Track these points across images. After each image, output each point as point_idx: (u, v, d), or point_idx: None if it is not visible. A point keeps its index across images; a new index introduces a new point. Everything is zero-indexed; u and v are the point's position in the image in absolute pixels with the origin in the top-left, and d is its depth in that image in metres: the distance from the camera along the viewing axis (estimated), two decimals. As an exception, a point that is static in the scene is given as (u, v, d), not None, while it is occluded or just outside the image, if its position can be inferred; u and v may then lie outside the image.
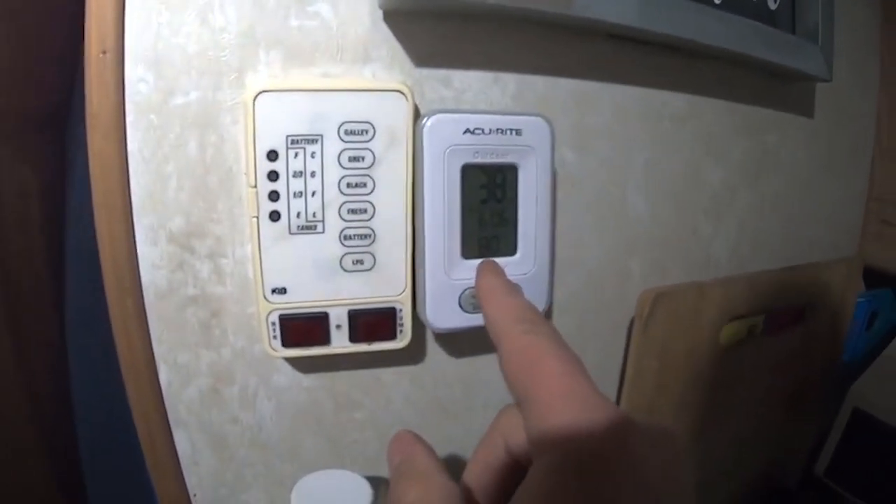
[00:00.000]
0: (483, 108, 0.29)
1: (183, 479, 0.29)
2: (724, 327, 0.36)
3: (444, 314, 0.26)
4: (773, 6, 0.36)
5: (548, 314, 0.33)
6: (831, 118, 0.46)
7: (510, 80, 0.29)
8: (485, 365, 0.33)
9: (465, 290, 0.26)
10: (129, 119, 0.24)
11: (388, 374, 0.31)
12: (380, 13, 0.26)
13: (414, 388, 0.32)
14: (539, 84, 0.30)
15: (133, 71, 0.24)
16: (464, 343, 0.32)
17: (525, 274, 0.27)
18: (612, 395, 0.37)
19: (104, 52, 0.22)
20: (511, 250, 0.27)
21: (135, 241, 0.25)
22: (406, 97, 0.24)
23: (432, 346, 0.31)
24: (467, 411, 0.33)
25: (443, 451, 0.33)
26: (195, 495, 0.30)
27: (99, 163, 0.24)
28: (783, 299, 0.40)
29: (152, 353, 0.27)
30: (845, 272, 0.45)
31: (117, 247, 0.25)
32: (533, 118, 0.26)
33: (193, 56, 0.24)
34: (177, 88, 0.24)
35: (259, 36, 0.25)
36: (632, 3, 0.27)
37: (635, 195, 0.35)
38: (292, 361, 0.30)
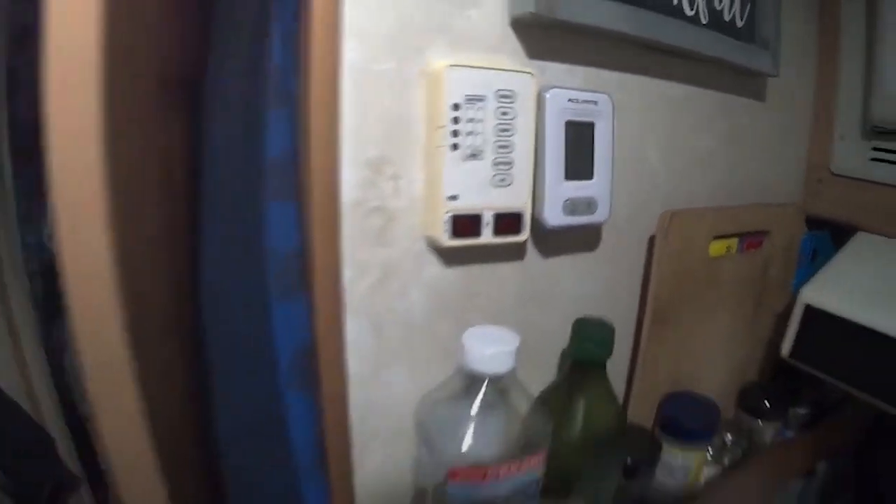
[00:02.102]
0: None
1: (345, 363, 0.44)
2: (711, 243, 0.59)
3: (554, 215, 0.46)
4: (739, 24, 0.59)
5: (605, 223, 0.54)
6: (781, 103, 0.71)
7: (579, 71, 0.50)
8: (565, 263, 0.53)
9: (566, 199, 0.46)
10: (343, 76, 0.38)
11: (502, 268, 0.50)
12: (508, 20, 0.45)
13: (518, 281, 0.51)
14: (594, 74, 0.51)
15: (347, 42, 0.38)
16: (555, 244, 0.52)
17: (596, 192, 0.48)
18: (637, 292, 0.59)
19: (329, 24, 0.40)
20: (590, 176, 0.48)
21: (340, 165, 0.40)
22: (533, 76, 0.44)
23: (532, 247, 0.50)
24: (552, 299, 0.53)
25: (527, 334, 0.44)
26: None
27: (319, 107, 0.38)
28: (751, 227, 0.64)
29: (339, 252, 0.41)
30: (793, 213, 0.70)
31: (327, 169, 0.38)
32: (603, 95, 0.47)
33: (388, 35, 0.40)
34: (377, 57, 0.40)
35: (433, 26, 0.42)
36: (661, 26, 0.49)
37: (653, 152, 0.57)
38: (441, 256, 0.46)
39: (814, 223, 0.76)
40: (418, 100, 0.43)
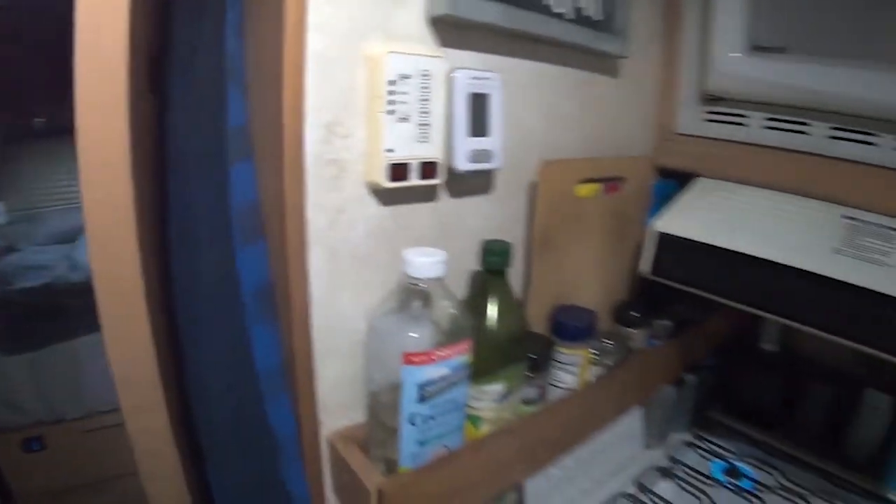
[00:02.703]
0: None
1: (309, 287, 0.60)
2: (578, 186, 0.83)
3: (462, 162, 0.67)
4: (597, 18, 0.81)
5: (498, 171, 0.76)
6: (635, 77, 0.96)
7: (478, 56, 0.70)
8: (470, 203, 0.74)
9: (470, 150, 0.67)
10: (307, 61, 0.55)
11: (424, 206, 0.69)
12: (427, 18, 0.64)
13: (436, 216, 0.71)
14: (488, 58, 0.72)
15: (311, 36, 0.55)
16: (462, 188, 0.72)
17: (492, 146, 0.69)
18: (524, 224, 0.82)
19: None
20: (487, 134, 0.68)
21: (304, 127, 0.56)
22: (445, 60, 0.64)
23: (444, 190, 0.71)
24: (461, 230, 0.74)
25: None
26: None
27: (289, 84, 0.53)
28: (609, 174, 0.89)
29: (305, 195, 0.58)
30: (644, 163, 0.97)
31: (295, 130, 0.55)
32: (495, 73, 0.68)
33: (341, 30, 0.57)
34: (333, 46, 0.57)
35: (373, 24, 0.59)
36: (535, 21, 0.71)
37: (531, 116, 0.79)
38: (379, 197, 0.64)
39: (664, 173, 1.03)
40: (363, 77, 0.61)
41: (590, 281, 0.94)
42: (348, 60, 0.60)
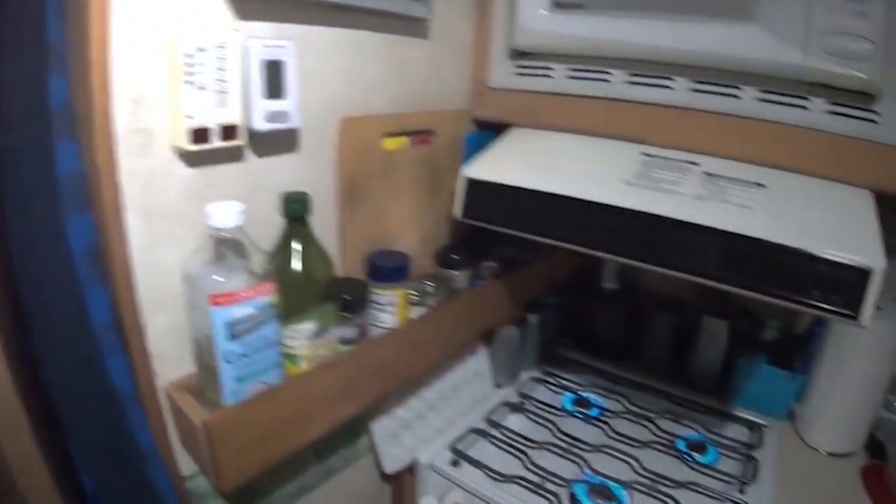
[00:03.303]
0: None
1: (128, 248, 0.69)
2: (384, 140, 0.97)
3: (259, 123, 0.78)
4: None
5: (304, 131, 0.88)
6: (449, 36, 1.10)
7: (274, 26, 0.82)
8: (276, 161, 0.87)
9: (267, 112, 0.78)
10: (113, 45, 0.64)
11: (231, 166, 0.81)
12: None
13: (243, 175, 0.82)
14: (288, 28, 0.83)
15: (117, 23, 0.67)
16: (267, 147, 0.85)
17: (289, 108, 0.82)
18: (333, 169, 0.95)
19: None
20: (284, 97, 0.80)
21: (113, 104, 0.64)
22: (239, 32, 0.74)
23: (250, 150, 0.83)
24: (269, 187, 0.86)
25: (253, 212, 0.74)
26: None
27: (97, 62, 0.61)
28: (417, 127, 1.04)
29: (116, 164, 0.66)
30: (453, 117, 1.12)
31: (103, 107, 0.63)
32: (289, 41, 0.80)
33: (145, 17, 0.69)
34: (138, 32, 0.66)
35: (174, 7, 0.71)
36: None
37: (336, 79, 0.91)
38: (186, 160, 0.72)
39: (483, 125, 1.20)
40: (165, 53, 0.69)
41: (408, 228, 1.08)
42: (153, 40, 0.68)
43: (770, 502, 1.09)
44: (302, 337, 0.83)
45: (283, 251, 0.82)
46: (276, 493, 1.00)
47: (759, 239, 0.80)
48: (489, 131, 1.18)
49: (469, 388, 1.34)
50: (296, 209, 0.82)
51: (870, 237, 0.79)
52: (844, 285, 0.76)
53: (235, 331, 0.73)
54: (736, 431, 1.31)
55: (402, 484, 1.27)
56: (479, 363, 1.37)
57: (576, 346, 1.62)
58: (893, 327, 1.15)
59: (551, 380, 1.49)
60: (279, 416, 0.79)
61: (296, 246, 0.83)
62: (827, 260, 0.77)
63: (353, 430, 1.12)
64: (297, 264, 0.82)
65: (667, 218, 0.86)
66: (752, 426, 1.31)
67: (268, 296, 0.76)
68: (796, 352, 1.32)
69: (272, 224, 0.85)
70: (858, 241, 0.78)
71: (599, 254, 0.93)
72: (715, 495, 1.09)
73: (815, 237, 0.79)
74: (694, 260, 0.85)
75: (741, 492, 1.10)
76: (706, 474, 1.16)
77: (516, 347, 1.40)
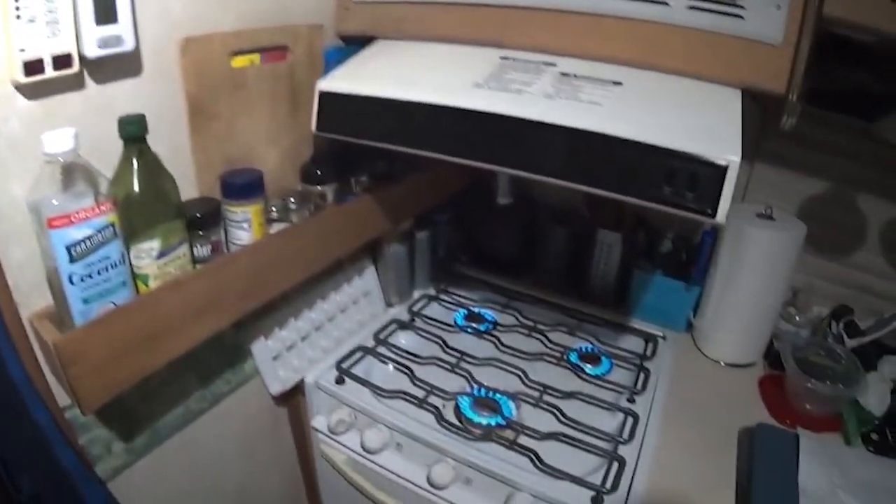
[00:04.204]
0: None
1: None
2: (233, 58, 1.06)
3: (91, 50, 0.86)
4: None
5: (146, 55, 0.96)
6: None
7: None
8: (118, 87, 0.97)
9: (99, 37, 0.87)
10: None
11: (72, 95, 0.90)
12: None
13: (83, 105, 0.92)
14: None
15: None
16: (107, 73, 0.93)
17: (121, 31, 0.90)
18: (180, 91, 1.04)
19: None
20: (116, 21, 0.88)
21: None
22: None
23: (90, 78, 0.91)
24: (112, 112, 0.93)
25: (99, 141, 0.89)
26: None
27: None
28: (269, 44, 1.15)
29: None
30: (309, 31, 1.21)
31: None
32: None
33: None
34: None
35: None
36: None
37: (173, 1, 1.00)
38: (25, 92, 0.81)
39: (349, 40, 1.29)
40: None
41: (267, 146, 1.18)
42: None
43: (660, 411, 1.23)
44: (147, 256, 0.91)
45: (124, 173, 0.91)
46: (161, 420, 1.13)
47: (604, 134, 0.86)
48: (355, 45, 1.29)
49: (358, 308, 1.48)
50: (130, 130, 0.91)
51: (729, 133, 0.83)
52: (698, 181, 0.82)
53: (75, 252, 0.80)
54: (632, 343, 1.46)
55: (296, 405, 1.43)
56: (367, 283, 1.50)
57: (471, 263, 1.75)
58: (785, 238, 1.29)
59: (445, 297, 1.63)
60: (132, 336, 0.88)
61: (136, 165, 0.92)
62: (679, 154, 0.82)
63: (234, 353, 1.25)
64: (136, 184, 0.91)
65: (511, 117, 0.92)
66: (648, 338, 1.47)
67: (105, 216, 0.83)
68: (692, 263, 1.47)
69: (120, 150, 0.94)
70: (714, 136, 0.83)
71: (450, 158, 1.00)
72: (602, 404, 1.24)
73: (667, 132, 0.84)
74: (542, 159, 0.92)
75: (630, 401, 1.25)
76: (596, 385, 1.32)
77: (405, 265, 1.50)
